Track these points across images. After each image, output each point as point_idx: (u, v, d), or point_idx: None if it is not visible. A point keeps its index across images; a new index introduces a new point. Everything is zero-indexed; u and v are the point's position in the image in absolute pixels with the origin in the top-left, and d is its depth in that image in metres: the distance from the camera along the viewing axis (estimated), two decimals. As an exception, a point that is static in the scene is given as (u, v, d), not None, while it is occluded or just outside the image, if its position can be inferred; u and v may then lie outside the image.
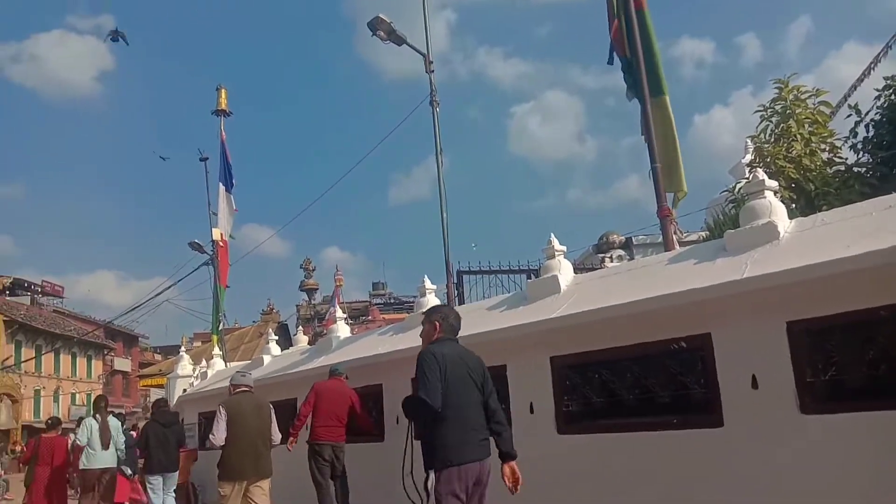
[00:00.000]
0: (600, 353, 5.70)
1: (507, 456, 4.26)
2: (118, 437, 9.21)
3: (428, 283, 8.69)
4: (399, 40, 11.03)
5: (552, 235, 6.86)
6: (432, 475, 4.00)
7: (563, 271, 6.66)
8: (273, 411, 6.65)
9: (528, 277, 10.47)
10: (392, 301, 72.62)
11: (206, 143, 32.83)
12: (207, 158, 19.58)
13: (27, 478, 10.19)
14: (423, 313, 4.93)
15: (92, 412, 9.63)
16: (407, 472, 4.63)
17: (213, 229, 18.18)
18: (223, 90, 19.44)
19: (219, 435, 5.88)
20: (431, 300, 8.59)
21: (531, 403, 6.20)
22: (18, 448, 32.09)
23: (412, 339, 7.84)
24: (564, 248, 6.94)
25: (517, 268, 11.71)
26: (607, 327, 5.57)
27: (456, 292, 10.95)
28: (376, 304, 67.56)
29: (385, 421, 7.92)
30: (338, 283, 33.10)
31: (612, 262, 16.79)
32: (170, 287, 26.52)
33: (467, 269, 11.80)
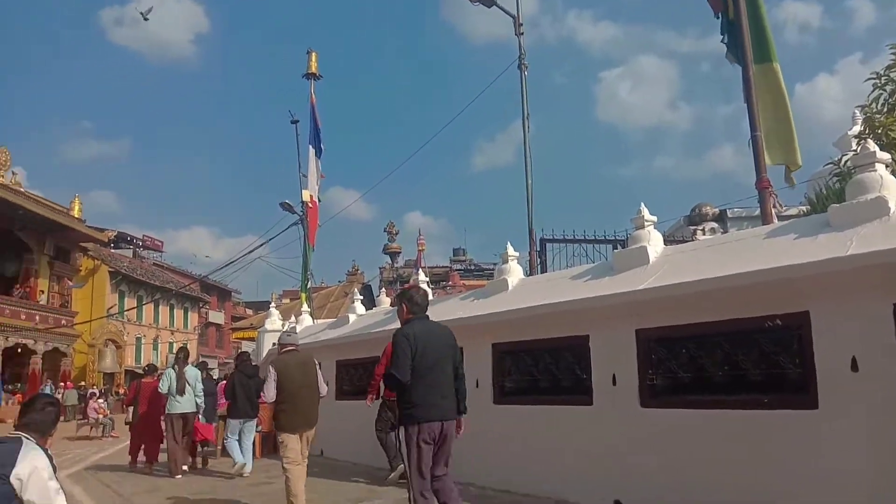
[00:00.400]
0: (689, 327, 5.57)
1: (460, 412, 5.02)
2: (196, 385, 9.88)
3: (510, 250, 8.68)
4: (489, 1, 10.88)
5: (642, 205, 6.69)
6: (402, 430, 4.84)
7: (653, 242, 6.51)
8: (319, 366, 6.91)
9: (614, 248, 10.29)
10: (472, 267, 73.00)
11: (298, 105, 33.58)
12: (298, 121, 20.05)
13: (133, 417, 11.29)
14: (397, 296, 5.57)
15: (173, 363, 10.37)
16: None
17: (303, 190, 18.69)
18: (313, 54, 19.76)
19: (269, 393, 6.26)
20: (514, 267, 8.59)
21: (613, 375, 6.15)
22: (122, 391, 34.64)
23: (492, 306, 7.91)
24: (654, 218, 6.76)
25: (602, 237, 11.51)
26: (698, 301, 5.43)
27: (538, 260, 10.89)
28: (457, 270, 68.00)
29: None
30: (420, 248, 33.52)
31: (704, 234, 16.21)
32: (261, 245, 27.60)
33: (551, 237, 11.69)
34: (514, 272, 8.53)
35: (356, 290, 18.44)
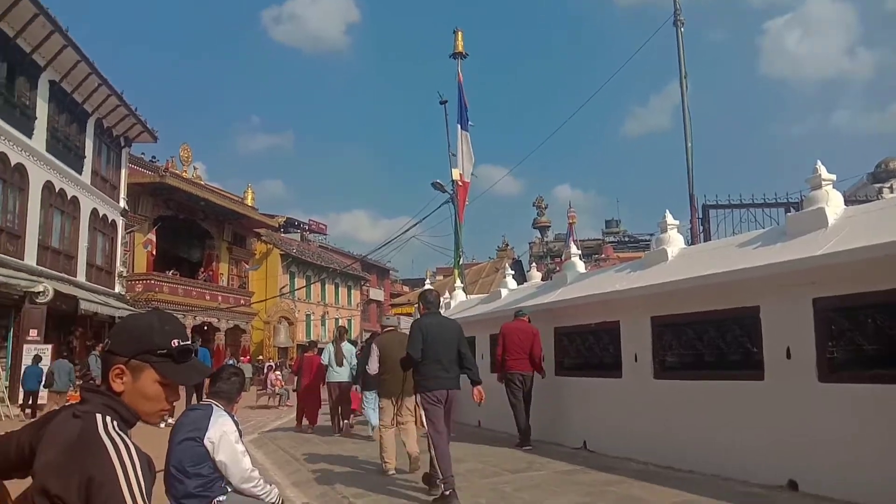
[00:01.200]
0: (876, 295, 5.02)
1: (475, 382, 6.23)
2: (351, 359, 11.04)
3: (669, 219, 8.28)
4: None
5: (818, 163, 6.09)
6: (418, 395, 6.17)
7: (832, 203, 5.91)
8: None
9: (786, 211, 9.47)
10: (626, 239, 70.73)
11: (446, 85, 34.02)
12: (446, 101, 20.30)
13: (297, 386, 13.03)
14: (419, 298, 7.06)
15: (333, 339, 11.85)
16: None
17: (453, 170, 18.95)
18: (459, 32, 19.84)
19: (373, 366, 7.41)
20: (674, 236, 8.19)
21: (788, 348, 5.70)
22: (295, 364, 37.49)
23: (651, 277, 7.59)
24: (833, 176, 6.14)
25: (773, 201, 10.61)
26: (887, 266, 4.86)
27: (700, 228, 10.29)
28: (610, 242, 66.14)
29: (623, 358, 7.80)
30: (571, 221, 32.87)
31: (892, 192, 14.54)
32: (415, 224, 28.39)
33: (714, 202, 10.97)
34: (674, 241, 8.13)
35: (507, 265, 18.48)
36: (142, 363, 1.68)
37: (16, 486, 1.76)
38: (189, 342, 1.76)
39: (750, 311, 6.13)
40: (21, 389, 15.91)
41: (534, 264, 16.58)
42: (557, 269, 20.74)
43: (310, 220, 58.60)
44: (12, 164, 17.92)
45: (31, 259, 18.68)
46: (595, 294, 8.37)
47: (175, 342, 1.71)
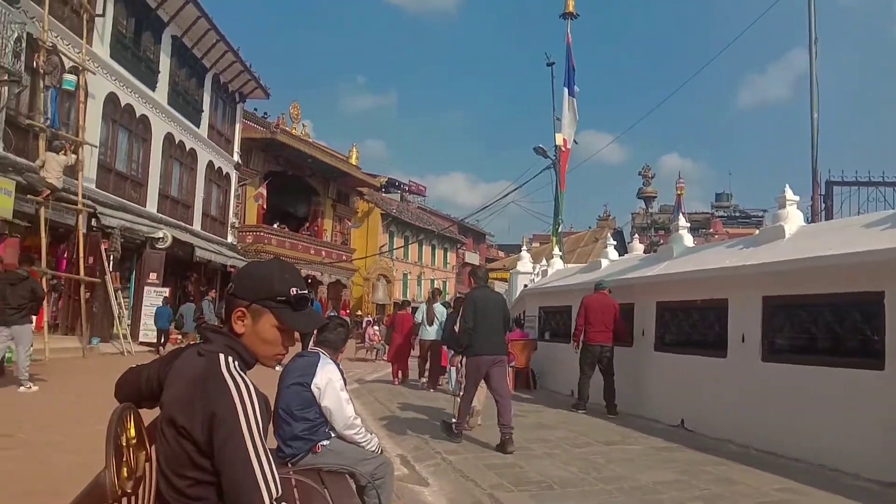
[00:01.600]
0: None
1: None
2: (442, 319, 11.72)
3: (789, 194, 7.79)
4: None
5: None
6: (465, 358, 6.93)
7: (982, 184, 5.36)
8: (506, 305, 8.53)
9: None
10: (737, 214, 67.51)
11: (553, 48, 33.22)
12: (553, 63, 19.85)
13: (387, 340, 14.45)
14: (469, 273, 7.90)
15: (428, 299, 12.84)
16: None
17: (557, 134, 18.61)
18: (570, -9, 19.26)
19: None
20: (792, 213, 7.71)
21: (918, 338, 5.27)
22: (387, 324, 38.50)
23: (765, 255, 7.20)
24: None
25: (907, 179, 9.77)
26: None
27: (822, 206, 9.63)
28: (719, 217, 63.36)
29: (729, 337, 7.48)
30: (679, 192, 31.60)
31: None
32: (514, 189, 28.21)
33: (839, 179, 10.21)
34: (793, 218, 7.65)
35: (608, 235, 18.07)
36: (262, 308, 1.76)
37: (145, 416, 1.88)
38: (306, 291, 1.82)
39: (873, 296, 5.70)
40: (141, 327, 17.52)
41: (636, 236, 16.07)
42: (661, 241, 20.10)
43: (410, 181, 59.47)
44: (137, 115, 19.09)
45: (152, 206, 19.97)
46: (704, 269, 8.04)
47: (293, 290, 1.77)
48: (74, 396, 9.05)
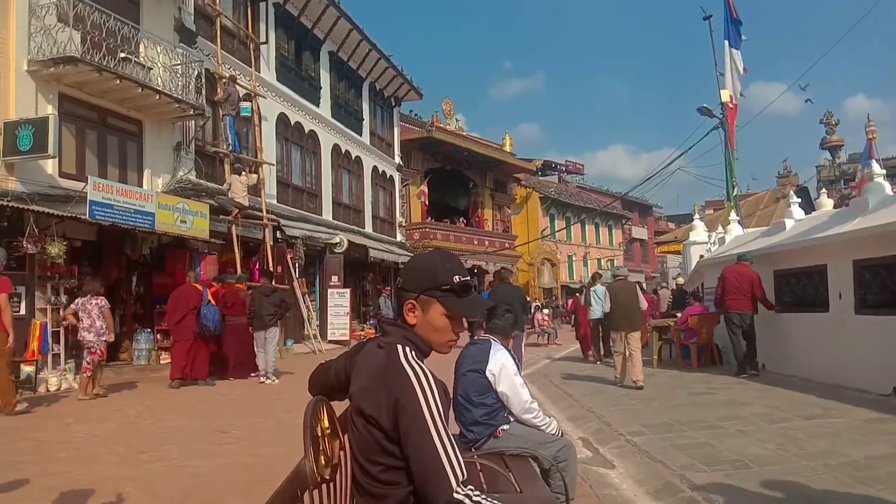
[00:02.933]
0: None
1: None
2: (600, 299, 12.57)
3: None
4: None
5: None
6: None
7: None
8: (638, 288, 10.02)
9: None
10: (945, 153, 59.24)
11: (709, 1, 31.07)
12: (711, 16, 18.58)
13: (574, 323, 15.99)
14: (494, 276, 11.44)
15: (588, 283, 14.52)
16: None
17: (721, 91, 17.41)
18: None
19: (606, 305, 9.78)
20: None
21: None
22: (560, 304, 38.15)
23: None
24: None
25: None
26: None
27: None
28: (923, 159, 56.09)
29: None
30: (870, 137, 28.14)
31: None
32: (680, 156, 26.85)
33: None
34: None
35: (791, 192, 16.62)
36: (430, 298, 1.83)
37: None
38: (468, 278, 1.87)
39: None
40: (329, 327, 18.98)
41: (823, 190, 14.64)
42: (854, 193, 18.16)
43: (566, 160, 58.41)
44: (306, 131, 20.48)
45: (327, 214, 21.35)
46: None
47: (456, 278, 1.83)
48: (275, 394, 9.93)
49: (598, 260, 48.59)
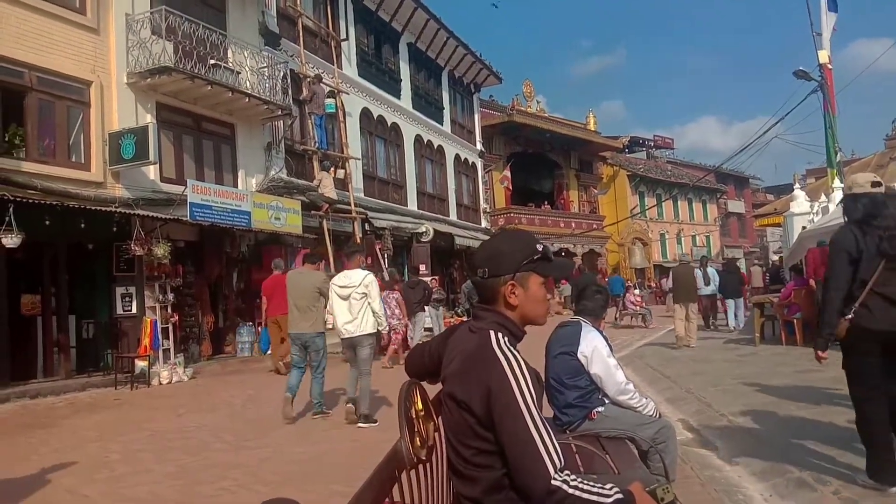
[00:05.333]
0: None
1: None
2: (715, 279, 14.86)
3: None
4: None
5: None
6: None
7: None
8: (696, 271, 12.57)
9: None
10: None
11: (799, -43, 29.28)
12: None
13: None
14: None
15: (701, 264, 15.30)
16: None
17: (819, 52, 16.37)
18: None
19: (669, 283, 12.02)
20: None
21: None
22: (653, 284, 37.17)
23: None
24: None
25: None
26: None
27: None
28: None
29: None
30: None
31: None
32: (776, 123, 25.46)
33: None
34: None
35: (902, 155, 15.47)
36: (525, 273, 1.86)
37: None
38: (546, 245, 1.94)
39: None
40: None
41: (943, 149, 13.55)
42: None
43: (654, 136, 56.56)
44: (389, 124, 20.78)
45: (412, 205, 21.62)
46: None
47: (539, 246, 1.88)
48: (374, 381, 10.15)
49: (693, 237, 46.93)
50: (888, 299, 3.53)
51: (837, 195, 14.10)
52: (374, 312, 6.90)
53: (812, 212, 15.36)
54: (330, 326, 7.31)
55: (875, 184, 3.70)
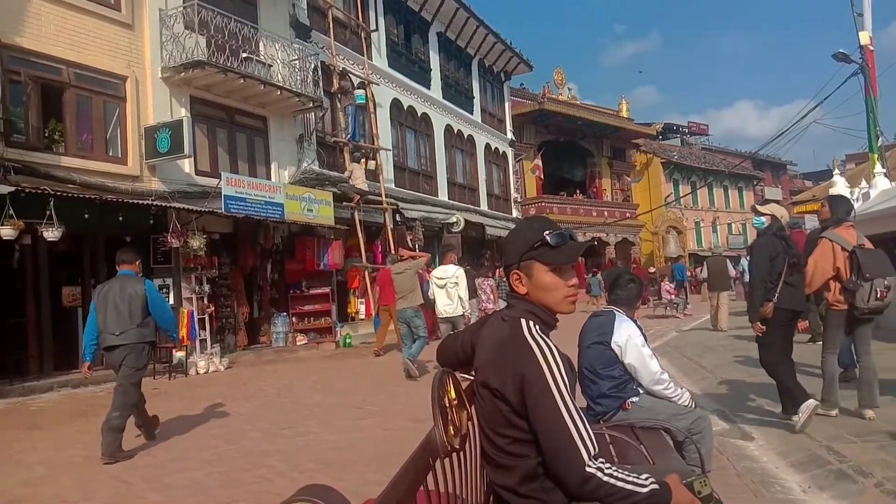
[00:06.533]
0: None
1: None
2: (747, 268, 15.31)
3: None
4: None
5: None
6: None
7: None
8: (728, 261, 13.41)
9: None
10: None
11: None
12: (844, -48, 16.95)
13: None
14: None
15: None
16: None
17: (860, 33, 15.90)
18: None
19: (705, 273, 12.32)
20: None
21: None
22: (689, 273, 36.62)
23: None
24: None
25: None
26: None
27: None
28: None
29: None
30: None
31: None
32: (815, 108, 24.86)
33: None
34: None
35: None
36: (528, 262, 1.85)
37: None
38: (560, 231, 1.86)
39: None
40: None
41: None
42: None
43: (689, 122, 55.71)
44: (419, 114, 20.77)
45: (443, 195, 21.61)
46: None
47: (545, 233, 1.83)
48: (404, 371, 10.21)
49: (729, 225, 46.09)
50: (792, 286, 5.06)
51: (880, 181, 13.76)
52: (459, 298, 9.29)
53: (853, 198, 14.96)
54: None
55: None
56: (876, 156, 16.14)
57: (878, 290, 4.82)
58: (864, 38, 15.81)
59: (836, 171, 19.95)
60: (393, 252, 14.29)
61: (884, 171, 14.71)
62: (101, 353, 5.78)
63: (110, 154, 11.33)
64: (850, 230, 5.17)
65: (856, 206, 14.04)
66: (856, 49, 16.32)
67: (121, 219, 10.23)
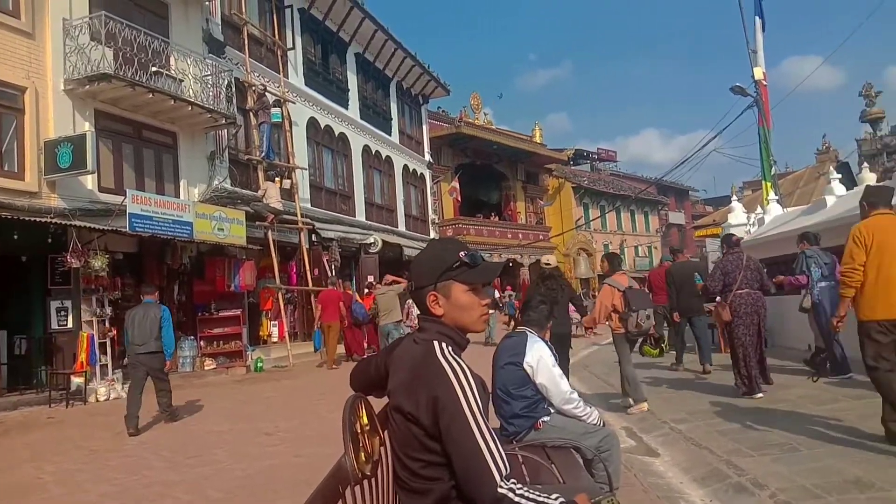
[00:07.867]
0: None
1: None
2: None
3: None
4: None
5: None
6: None
7: None
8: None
9: None
10: None
11: (734, -22, 30.39)
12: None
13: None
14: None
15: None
16: None
17: (754, 69, 17.01)
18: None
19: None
20: None
21: None
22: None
23: None
24: None
25: None
26: None
27: None
28: (970, 128, 54.04)
29: None
30: (912, 107, 27.27)
31: None
32: (714, 137, 26.38)
33: None
34: None
35: (831, 169, 16.21)
36: (446, 283, 1.85)
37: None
38: (472, 252, 1.90)
39: None
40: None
41: (865, 165, 14.20)
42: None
43: (598, 148, 57.71)
44: (336, 134, 20.63)
45: (361, 215, 21.48)
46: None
47: (462, 254, 1.86)
48: (318, 395, 10.03)
49: (636, 247, 47.96)
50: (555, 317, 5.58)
51: (773, 207, 14.67)
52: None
53: (749, 223, 15.89)
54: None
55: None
56: (769, 183, 17.23)
57: (641, 317, 6.41)
58: (759, 73, 16.92)
59: (735, 197, 21.17)
60: (333, 276, 16.83)
61: (776, 197, 15.72)
62: (131, 357, 8.00)
63: (6, 168, 10.66)
64: (623, 276, 6.89)
65: (751, 230, 14.98)
66: (751, 83, 17.45)
67: (16, 237, 9.64)
